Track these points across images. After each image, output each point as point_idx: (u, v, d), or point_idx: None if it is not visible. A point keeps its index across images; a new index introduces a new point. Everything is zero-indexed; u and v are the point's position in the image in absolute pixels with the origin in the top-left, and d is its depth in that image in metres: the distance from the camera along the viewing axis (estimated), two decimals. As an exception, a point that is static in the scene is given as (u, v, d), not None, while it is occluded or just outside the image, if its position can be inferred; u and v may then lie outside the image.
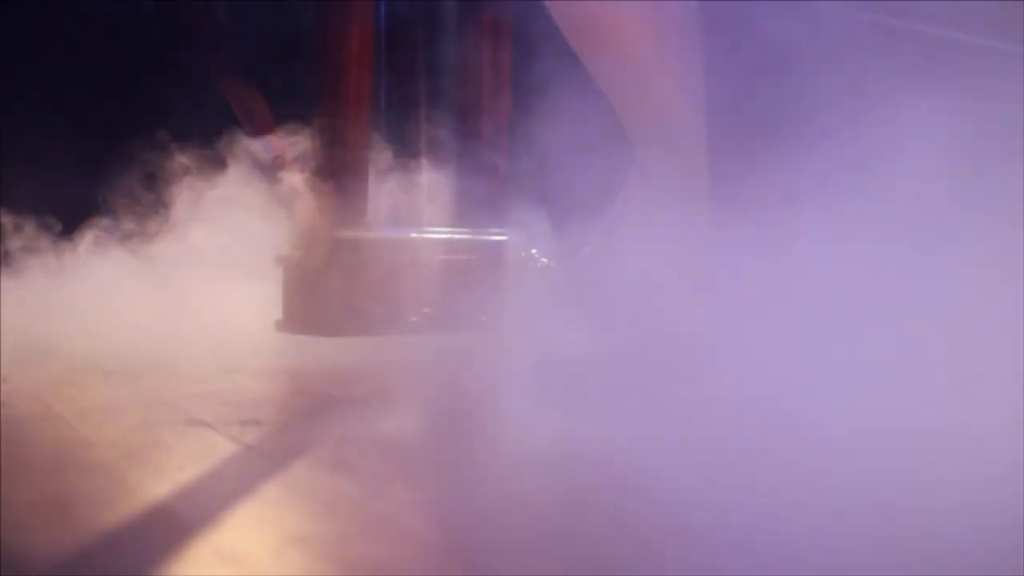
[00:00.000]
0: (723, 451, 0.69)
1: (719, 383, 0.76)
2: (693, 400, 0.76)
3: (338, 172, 1.33)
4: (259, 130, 1.44)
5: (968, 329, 0.75)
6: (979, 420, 0.67)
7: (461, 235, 1.42)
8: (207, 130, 1.85)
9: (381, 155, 1.48)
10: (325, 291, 1.27)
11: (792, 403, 0.71)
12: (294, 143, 1.44)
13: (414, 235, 1.38)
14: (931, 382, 0.71)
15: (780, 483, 0.63)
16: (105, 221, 2.02)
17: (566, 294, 1.20)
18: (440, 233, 1.41)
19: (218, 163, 1.54)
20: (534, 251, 1.37)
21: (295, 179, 1.42)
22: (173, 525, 0.61)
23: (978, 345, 0.74)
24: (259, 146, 1.45)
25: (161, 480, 0.71)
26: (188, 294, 1.66)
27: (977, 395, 0.69)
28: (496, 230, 1.46)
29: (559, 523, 0.62)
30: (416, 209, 1.52)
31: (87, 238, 2.07)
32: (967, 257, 0.79)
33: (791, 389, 0.72)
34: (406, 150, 1.60)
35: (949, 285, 0.77)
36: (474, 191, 1.49)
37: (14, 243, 2.05)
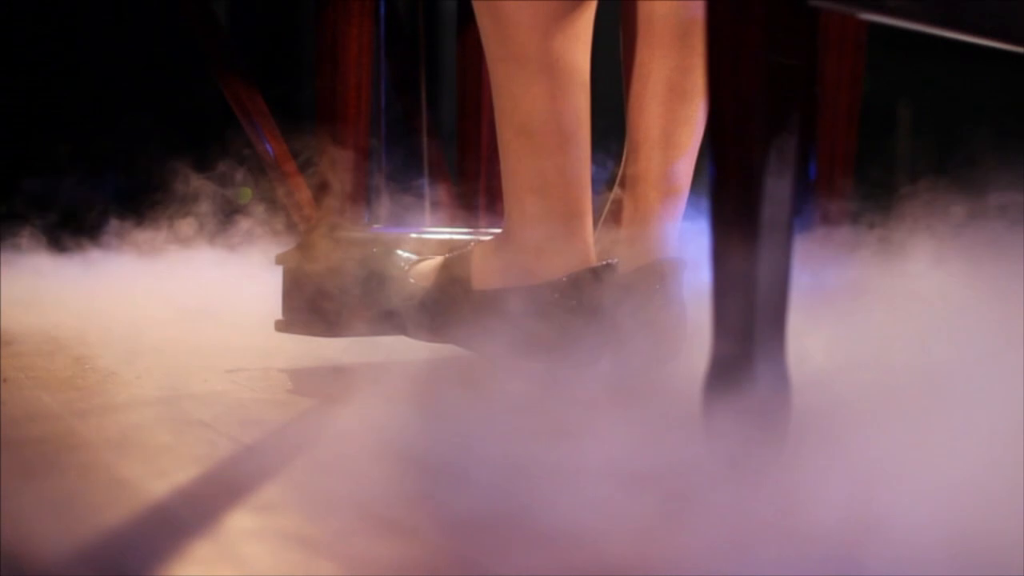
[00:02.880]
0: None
1: None
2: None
3: (338, 172, 1.32)
4: (259, 129, 1.44)
5: None
6: None
7: (461, 235, 1.42)
8: (207, 129, 1.85)
9: (381, 154, 1.48)
10: (325, 291, 1.27)
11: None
12: (294, 142, 1.44)
13: (414, 235, 1.38)
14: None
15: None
16: (105, 220, 2.03)
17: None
18: (440, 233, 1.41)
19: (218, 162, 1.54)
20: None
21: (295, 178, 1.42)
22: (173, 525, 0.61)
23: None
24: (259, 145, 1.45)
25: (161, 480, 0.71)
26: (188, 294, 1.67)
27: None
28: (496, 230, 1.46)
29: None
30: (416, 209, 1.52)
31: (87, 237, 2.07)
32: None
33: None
34: (407, 149, 1.60)
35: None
36: (474, 190, 1.49)
37: (14, 242, 2.05)
